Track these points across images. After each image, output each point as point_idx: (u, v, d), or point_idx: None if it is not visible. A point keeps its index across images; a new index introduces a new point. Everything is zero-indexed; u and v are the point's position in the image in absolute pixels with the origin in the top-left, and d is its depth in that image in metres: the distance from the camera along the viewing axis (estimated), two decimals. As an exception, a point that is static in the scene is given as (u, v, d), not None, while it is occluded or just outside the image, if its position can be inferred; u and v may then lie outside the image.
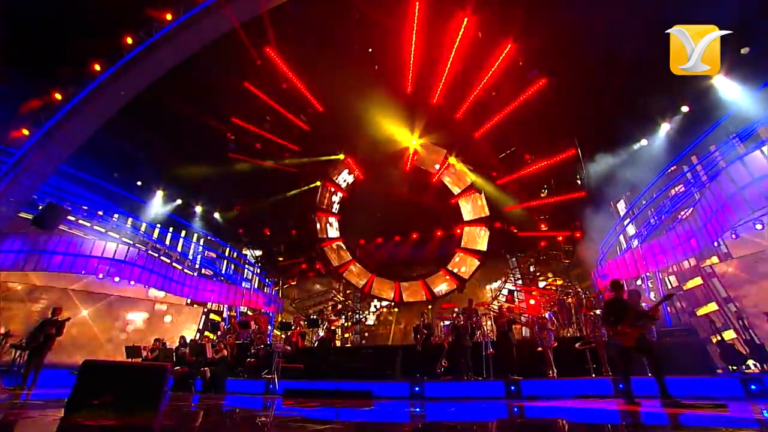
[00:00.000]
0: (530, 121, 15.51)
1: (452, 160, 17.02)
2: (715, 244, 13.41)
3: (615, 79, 14.46)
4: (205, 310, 21.56)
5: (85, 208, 18.07)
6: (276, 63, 15.43)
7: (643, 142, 16.05)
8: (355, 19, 15.53)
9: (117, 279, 16.76)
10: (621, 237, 17.89)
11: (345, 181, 19.32)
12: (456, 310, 16.50)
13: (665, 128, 15.04)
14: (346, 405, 7.09)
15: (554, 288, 15.91)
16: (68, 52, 16.09)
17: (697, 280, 14.81)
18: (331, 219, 20.13)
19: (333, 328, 14.90)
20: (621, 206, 18.35)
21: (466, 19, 13.29)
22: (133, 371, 3.45)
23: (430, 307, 20.13)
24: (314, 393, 9.30)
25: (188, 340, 14.07)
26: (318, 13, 15.46)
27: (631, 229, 17.51)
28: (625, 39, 13.63)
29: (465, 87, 15.23)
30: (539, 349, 10.29)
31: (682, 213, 15.13)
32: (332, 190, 19.29)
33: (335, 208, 19.92)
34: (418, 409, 6.63)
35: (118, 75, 15.81)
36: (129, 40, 15.61)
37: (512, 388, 8.75)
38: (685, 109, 14.18)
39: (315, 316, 14.67)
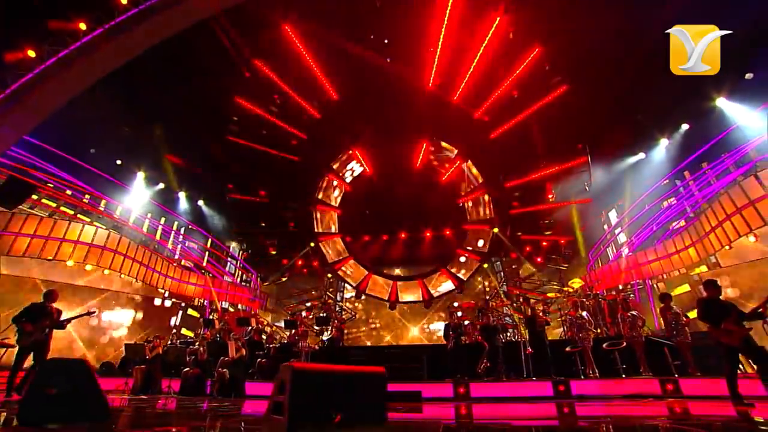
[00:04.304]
0: (543, 126, 15.80)
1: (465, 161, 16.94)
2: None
3: (623, 93, 15.18)
4: (183, 305, 19.75)
5: (51, 186, 15.76)
6: (292, 43, 14.44)
7: (641, 155, 16.99)
8: (376, 7, 14.99)
9: (89, 267, 14.82)
10: (611, 245, 18.88)
11: (351, 174, 18.57)
12: (458, 311, 16.39)
13: (664, 143, 15.99)
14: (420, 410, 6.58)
15: (571, 291, 16.30)
16: (48, 3, 13.98)
17: (685, 287, 15.88)
18: (332, 213, 19.26)
19: (342, 327, 14.12)
20: (612, 215, 19.32)
21: (498, 18, 13.24)
22: (352, 378, 2.76)
23: (432, 306, 19.93)
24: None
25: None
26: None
27: (622, 237, 18.47)
28: (633, 57, 14.34)
29: (485, 87, 15.19)
30: (567, 349, 10.38)
31: (674, 224, 16.22)
32: (335, 183, 18.46)
33: (337, 202, 19.09)
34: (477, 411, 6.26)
35: (106, 37, 13.92)
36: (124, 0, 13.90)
37: (561, 388, 8.68)
38: (685, 126, 15.14)
39: (324, 314, 13.85)
